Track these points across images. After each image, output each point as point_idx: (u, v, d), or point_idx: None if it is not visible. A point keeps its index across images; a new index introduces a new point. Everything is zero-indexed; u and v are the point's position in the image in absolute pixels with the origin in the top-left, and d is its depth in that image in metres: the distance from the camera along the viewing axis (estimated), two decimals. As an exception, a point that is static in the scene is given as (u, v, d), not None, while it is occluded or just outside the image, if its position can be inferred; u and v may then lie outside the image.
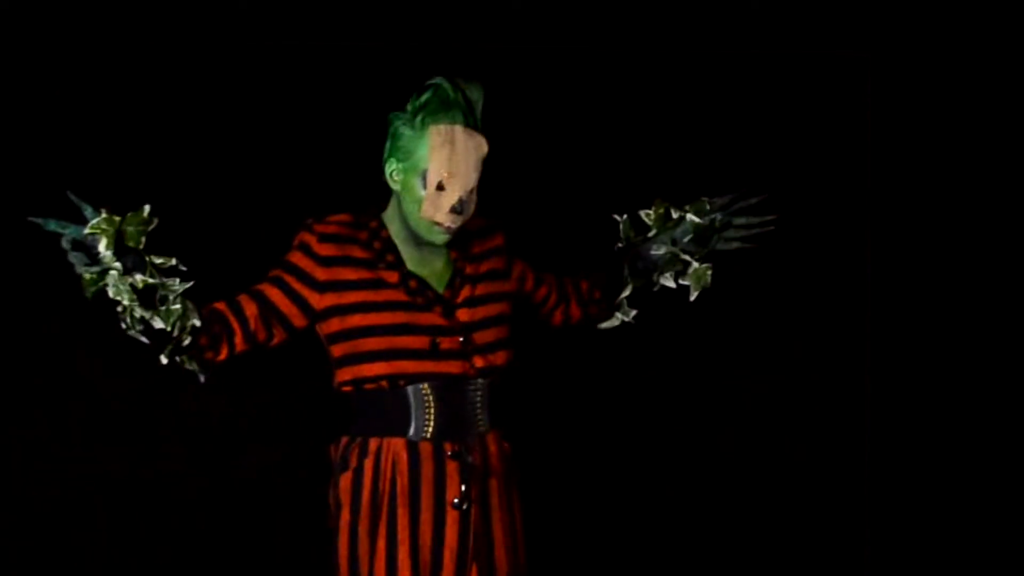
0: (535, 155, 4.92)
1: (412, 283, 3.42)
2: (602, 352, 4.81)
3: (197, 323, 3.23)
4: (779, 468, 5.04)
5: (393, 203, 3.44)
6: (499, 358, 3.46)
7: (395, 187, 3.39)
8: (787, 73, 4.95)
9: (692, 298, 3.72)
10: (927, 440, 4.86)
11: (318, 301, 3.39)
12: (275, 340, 3.41)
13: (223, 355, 3.35)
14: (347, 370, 3.42)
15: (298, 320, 3.42)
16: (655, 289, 3.74)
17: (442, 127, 3.32)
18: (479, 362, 3.43)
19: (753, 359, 5.02)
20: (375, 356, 3.38)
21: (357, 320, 3.38)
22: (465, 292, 3.46)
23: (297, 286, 3.40)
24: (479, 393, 3.44)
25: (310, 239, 3.41)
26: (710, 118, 4.97)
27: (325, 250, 3.39)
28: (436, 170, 3.31)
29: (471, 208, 3.37)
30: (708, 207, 3.69)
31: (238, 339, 3.36)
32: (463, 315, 3.43)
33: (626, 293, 3.73)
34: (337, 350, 3.43)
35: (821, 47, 4.86)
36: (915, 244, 4.91)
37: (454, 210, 3.32)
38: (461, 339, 3.41)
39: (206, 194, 4.84)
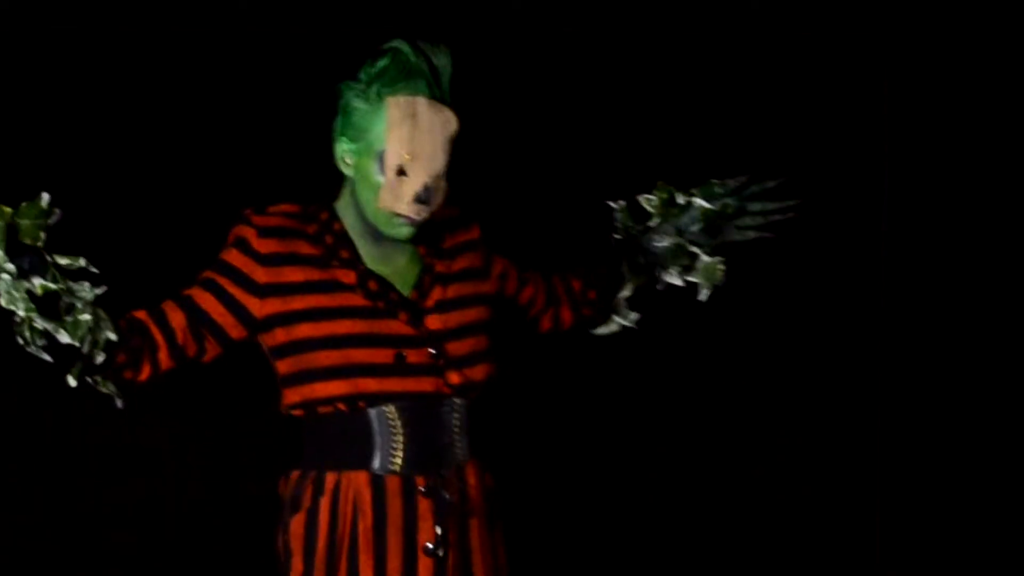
0: (517, 134, 4.50)
1: (371, 284, 3.00)
2: (598, 363, 4.44)
3: (112, 336, 2.81)
4: (791, 499, 4.81)
5: (346, 190, 3.03)
6: (478, 373, 3.05)
7: (347, 172, 2.99)
8: (798, 55, 4.73)
9: (702, 297, 3.32)
10: (939, 439, 4.82)
11: (259, 308, 2.97)
12: (208, 355, 3.00)
13: (145, 374, 2.92)
14: (296, 390, 2.99)
15: (235, 331, 2.99)
16: (659, 288, 3.37)
17: (401, 99, 2.91)
18: (454, 378, 3.01)
19: (768, 372, 4.77)
20: (329, 373, 2.95)
21: (306, 330, 2.95)
22: (436, 294, 3.04)
23: (233, 290, 2.97)
24: (456, 415, 3.02)
25: (248, 234, 2.98)
26: (714, 97, 4.69)
27: (266, 247, 2.97)
28: (395, 151, 2.91)
29: (439, 196, 2.96)
30: (719, 191, 3.31)
31: (163, 355, 2.93)
32: (433, 322, 3.02)
33: (626, 293, 3.36)
34: (283, 366, 3.00)
35: (835, 30, 4.68)
36: (931, 235, 4.80)
37: (418, 199, 2.91)
38: (432, 351, 3.00)
39: (121, 180, 4.28)
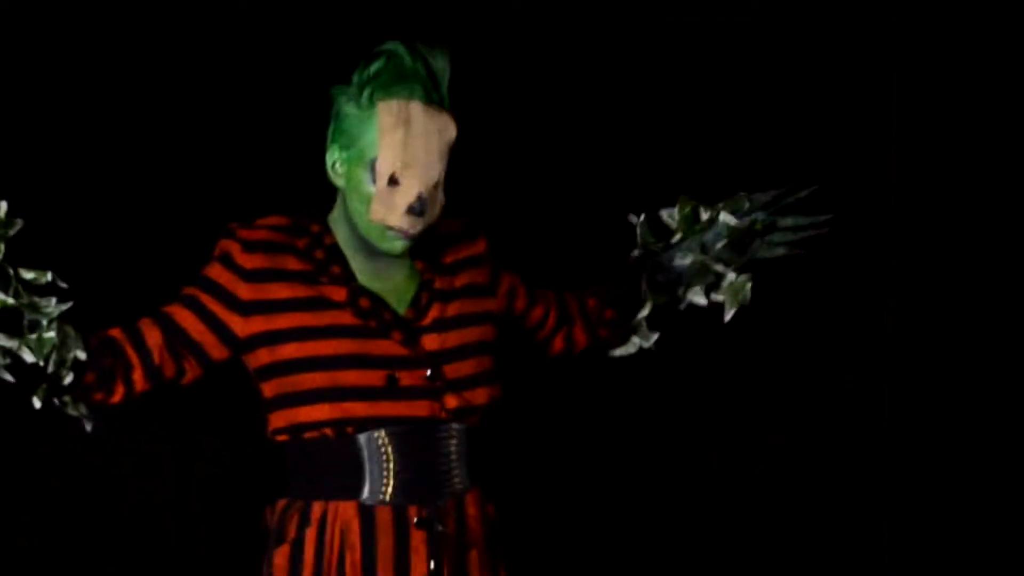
0: (529, 141, 4.22)
1: (363, 302, 2.82)
2: (612, 384, 4.17)
3: (81, 355, 2.65)
4: (804, 518, 4.62)
5: (339, 202, 2.86)
6: (479, 396, 2.86)
7: (339, 182, 2.82)
8: (811, 61, 4.52)
9: (727, 318, 3.12)
10: (948, 443, 4.67)
11: (242, 327, 2.79)
12: (187, 376, 2.82)
13: (118, 396, 2.74)
14: (281, 414, 2.81)
15: (216, 351, 2.81)
16: (681, 307, 3.17)
17: (394, 103, 2.74)
18: (452, 401, 2.82)
19: (779, 384, 4.55)
20: (316, 396, 2.77)
21: (291, 351, 2.77)
22: (433, 312, 2.85)
23: (215, 307, 2.80)
24: (453, 441, 2.83)
25: (232, 248, 2.81)
26: (727, 98, 4.46)
27: (251, 262, 2.79)
28: (387, 159, 2.74)
29: (435, 208, 2.78)
30: (747, 205, 3.10)
31: (137, 376, 2.76)
32: (430, 342, 2.83)
33: (645, 312, 3.15)
34: (268, 389, 2.82)
35: (844, 15, 4.47)
36: (940, 241, 4.63)
37: (411, 210, 2.74)
38: (427, 372, 2.81)
39: (95, 187, 4.06)
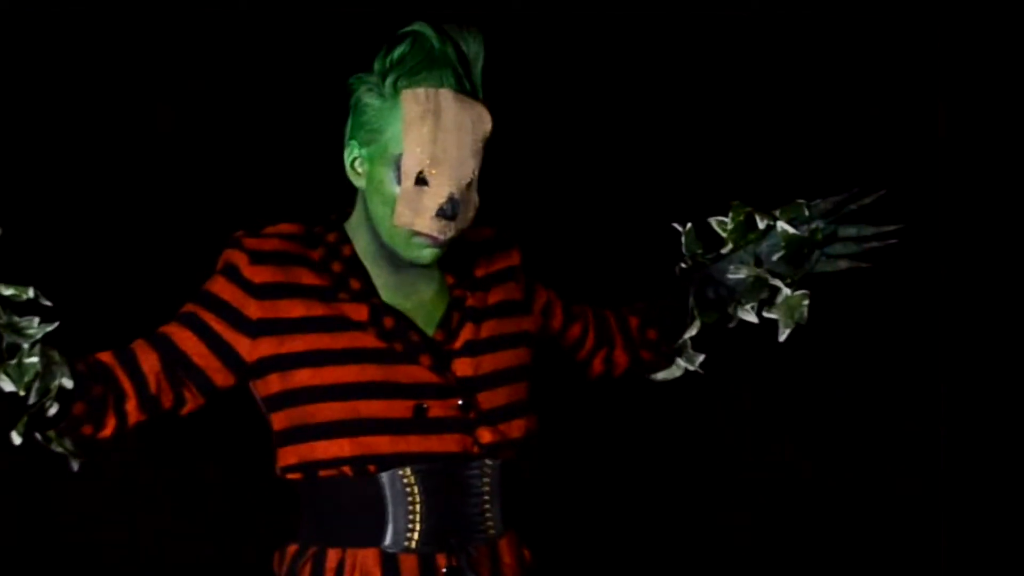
0: (557, 139, 3.87)
1: (387, 321, 2.51)
2: (658, 413, 3.84)
3: (68, 384, 2.34)
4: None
5: (359, 206, 2.56)
6: (515, 428, 2.56)
7: (359, 183, 2.52)
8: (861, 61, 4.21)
9: (782, 338, 2.81)
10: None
11: (249, 349, 2.48)
12: (187, 406, 2.51)
13: (109, 430, 2.43)
14: (293, 449, 2.50)
15: (220, 377, 2.50)
16: (731, 325, 2.87)
17: (420, 92, 2.45)
18: (486, 435, 2.52)
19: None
20: (333, 430, 2.46)
21: (306, 377, 2.47)
22: (465, 334, 2.55)
23: (219, 327, 2.48)
24: (486, 480, 2.53)
25: (239, 260, 2.50)
26: (773, 99, 4.16)
27: (260, 275, 2.48)
28: (414, 155, 2.44)
29: (469, 211, 2.49)
30: (806, 212, 2.80)
31: (131, 406, 2.44)
32: (462, 367, 2.53)
33: (692, 332, 2.85)
34: (278, 420, 2.51)
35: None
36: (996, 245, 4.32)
37: (442, 213, 2.44)
38: (459, 402, 2.51)
39: (81, 191, 3.68)
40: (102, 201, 3.65)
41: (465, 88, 2.44)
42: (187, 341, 2.45)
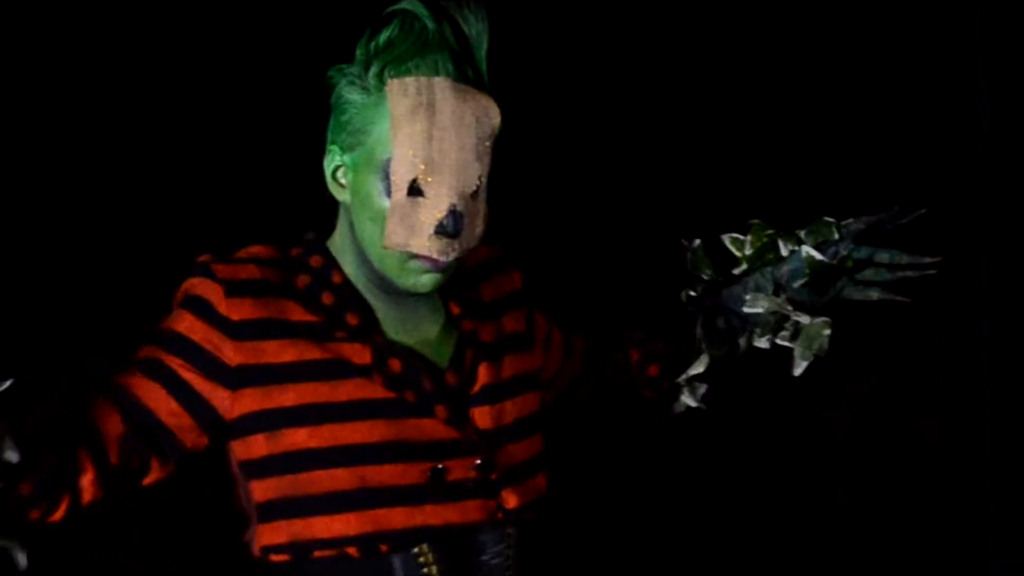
0: (559, 138, 3.34)
1: (394, 364, 2.04)
2: (674, 455, 3.34)
3: (12, 457, 1.81)
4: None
5: (343, 224, 2.10)
6: (538, 486, 2.14)
7: (342, 197, 2.07)
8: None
9: (797, 371, 2.39)
10: None
11: (229, 404, 2.00)
12: (150, 476, 2.01)
13: (60, 512, 1.90)
14: (281, 526, 2.02)
15: (192, 438, 2.01)
16: (740, 353, 2.44)
17: (412, 82, 2.01)
18: (512, 499, 2.08)
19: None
20: (336, 503, 1.99)
21: (301, 438, 1.99)
22: (483, 376, 2.11)
23: (190, 377, 1.98)
24: (509, 552, 2.09)
25: (210, 292, 2.01)
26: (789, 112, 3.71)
27: (239, 311, 2.00)
28: (405, 159, 2.00)
29: (477, 226, 2.04)
30: (836, 235, 2.37)
31: (87, 480, 1.92)
32: (482, 418, 2.09)
33: (699, 369, 2.42)
34: (262, 490, 2.02)
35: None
36: None
37: (442, 230, 2.00)
38: (479, 461, 2.05)
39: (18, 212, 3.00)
40: (40, 222, 2.97)
41: (466, 76, 2.01)
42: (154, 396, 1.94)
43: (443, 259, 1.99)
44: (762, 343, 2.41)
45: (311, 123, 2.08)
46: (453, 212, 1.98)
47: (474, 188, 2.00)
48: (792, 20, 3.69)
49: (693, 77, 3.58)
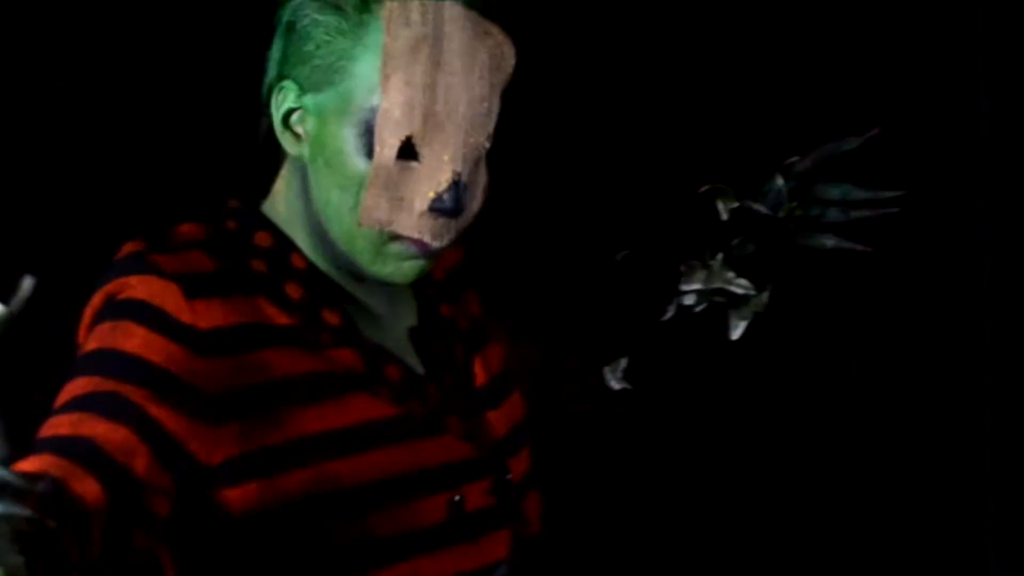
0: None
1: (391, 371, 1.56)
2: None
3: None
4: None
5: (290, 185, 1.58)
6: (538, 502, 1.69)
7: (295, 150, 1.55)
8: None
9: (735, 335, 2.01)
10: None
11: (210, 446, 1.44)
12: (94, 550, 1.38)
13: None
14: None
15: (164, 501, 1.41)
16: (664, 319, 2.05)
17: (415, 5, 1.49)
18: (528, 523, 1.64)
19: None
20: (350, 559, 1.49)
21: (308, 481, 1.46)
22: (480, 373, 1.66)
23: (159, 413, 1.41)
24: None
25: (162, 293, 1.45)
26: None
27: (206, 316, 1.46)
28: (400, 110, 1.49)
29: (476, 201, 1.55)
30: (780, 181, 1.98)
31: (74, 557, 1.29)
32: (498, 423, 1.64)
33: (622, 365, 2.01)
34: (248, 546, 1.49)
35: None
36: None
37: (440, 206, 1.51)
38: (495, 480, 1.60)
39: None
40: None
41: (474, 2, 1.51)
42: (127, 447, 1.36)
43: (436, 244, 1.51)
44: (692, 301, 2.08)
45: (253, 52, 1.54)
46: (456, 184, 1.50)
47: (482, 146, 1.52)
48: (792, 20, 3.45)
49: (693, 77, 3.28)
